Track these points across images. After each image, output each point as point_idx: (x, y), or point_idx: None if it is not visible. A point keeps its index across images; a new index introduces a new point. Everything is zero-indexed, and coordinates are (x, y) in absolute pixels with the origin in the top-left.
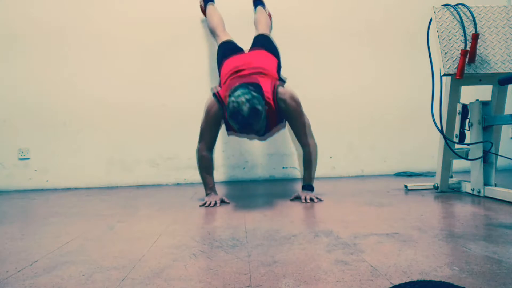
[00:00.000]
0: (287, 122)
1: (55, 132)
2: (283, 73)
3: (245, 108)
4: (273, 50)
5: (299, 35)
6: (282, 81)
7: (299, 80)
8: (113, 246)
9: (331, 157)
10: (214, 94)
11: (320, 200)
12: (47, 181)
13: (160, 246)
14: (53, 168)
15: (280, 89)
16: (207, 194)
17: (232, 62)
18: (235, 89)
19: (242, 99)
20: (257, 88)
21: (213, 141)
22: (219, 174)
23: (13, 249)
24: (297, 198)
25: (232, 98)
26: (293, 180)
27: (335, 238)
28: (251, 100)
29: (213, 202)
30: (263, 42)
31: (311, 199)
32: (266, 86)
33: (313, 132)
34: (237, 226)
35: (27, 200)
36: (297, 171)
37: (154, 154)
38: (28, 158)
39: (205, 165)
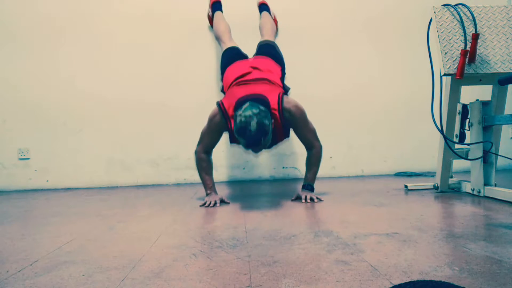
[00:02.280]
0: (292, 130)
1: (55, 132)
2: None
3: (253, 123)
4: (278, 58)
5: (300, 35)
6: (286, 89)
7: (300, 80)
8: (113, 246)
9: (331, 157)
10: (218, 104)
11: (320, 200)
12: (47, 181)
13: (160, 246)
14: (53, 168)
15: (285, 99)
16: (207, 194)
17: (235, 68)
18: (242, 104)
19: (249, 113)
20: (264, 102)
21: (212, 146)
22: (219, 174)
23: (13, 249)
24: (298, 198)
25: (239, 113)
26: (293, 180)
27: (335, 238)
28: (259, 116)
29: (213, 202)
30: (268, 50)
31: (311, 199)
32: (272, 97)
33: None
34: (237, 226)
35: (27, 200)
36: (297, 171)
37: (154, 154)
38: (28, 158)
39: (204, 166)
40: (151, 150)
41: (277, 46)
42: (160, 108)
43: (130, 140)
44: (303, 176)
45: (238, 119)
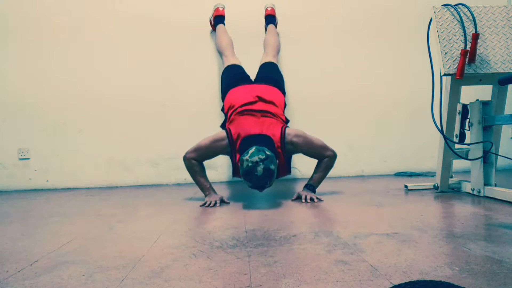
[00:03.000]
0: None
1: (55, 132)
2: (285, 72)
3: (259, 169)
4: (280, 84)
5: (299, 36)
6: (287, 121)
7: (300, 80)
8: (113, 246)
9: None
10: (226, 130)
11: (320, 200)
12: (47, 181)
13: (160, 246)
14: (53, 168)
15: (286, 133)
16: (206, 195)
17: (240, 94)
18: (248, 144)
19: (256, 159)
20: (269, 143)
21: (206, 159)
22: (219, 174)
23: (13, 249)
24: (298, 198)
25: (246, 158)
26: (293, 180)
27: (335, 238)
28: (265, 161)
29: (213, 202)
30: (271, 74)
31: (311, 199)
32: (276, 134)
33: (314, 132)
34: (237, 226)
35: (27, 200)
36: (297, 171)
37: (154, 154)
38: (28, 158)
39: (197, 169)
40: (151, 150)
41: (279, 68)
42: (160, 109)
43: (130, 140)
44: (303, 176)
45: (245, 163)
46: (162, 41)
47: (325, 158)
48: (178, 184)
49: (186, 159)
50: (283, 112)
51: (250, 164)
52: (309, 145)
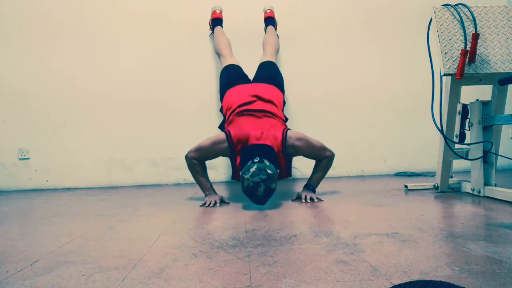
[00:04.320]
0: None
1: (55, 132)
2: (284, 72)
3: (260, 189)
4: (279, 83)
5: (299, 35)
6: (286, 120)
7: (300, 80)
8: (113, 246)
9: None
10: (225, 133)
11: (320, 200)
12: (47, 181)
13: (160, 246)
14: (53, 168)
15: (288, 136)
16: (206, 195)
17: (238, 93)
18: (248, 158)
19: (257, 179)
20: (270, 153)
21: (207, 160)
22: (219, 174)
23: (13, 249)
24: (298, 197)
25: (247, 178)
26: (293, 180)
27: (335, 238)
28: (266, 182)
29: (213, 202)
30: (270, 73)
31: (311, 199)
32: (277, 136)
33: (314, 131)
34: (237, 226)
35: (27, 200)
36: (297, 171)
37: (154, 154)
38: (28, 158)
39: (198, 169)
40: (151, 150)
41: (277, 67)
42: (160, 108)
43: (130, 140)
44: (303, 176)
45: (246, 182)
46: (162, 40)
47: (324, 158)
48: (178, 184)
49: (187, 158)
50: (282, 110)
51: (251, 184)
52: (309, 147)
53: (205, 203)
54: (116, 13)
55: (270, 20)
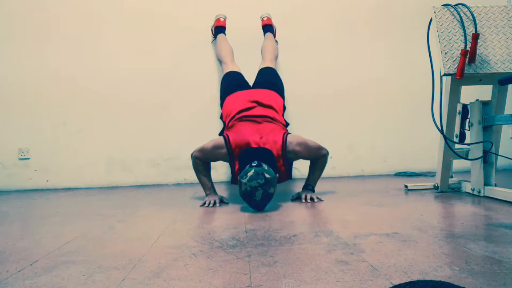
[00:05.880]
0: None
1: (55, 132)
2: (284, 72)
3: (258, 194)
4: (279, 88)
5: (299, 35)
6: (286, 125)
7: (299, 80)
8: (113, 246)
9: (331, 157)
10: (224, 138)
11: (320, 200)
12: (47, 181)
13: (160, 246)
14: (53, 168)
15: (288, 141)
16: (206, 195)
17: (237, 100)
18: (247, 159)
19: (255, 184)
20: (269, 159)
21: (208, 161)
22: (219, 174)
23: (13, 249)
24: (298, 198)
25: (245, 182)
26: (292, 180)
27: (335, 238)
28: (264, 186)
29: (212, 202)
30: (270, 78)
31: (311, 199)
32: (277, 141)
33: (314, 131)
34: (237, 226)
35: (27, 200)
36: (297, 171)
37: (154, 154)
38: (28, 158)
39: (201, 168)
40: (151, 150)
41: (277, 72)
42: (160, 108)
43: (130, 140)
44: (303, 176)
45: (244, 187)
46: (163, 41)
47: (321, 157)
48: (178, 184)
49: (192, 157)
50: (283, 115)
51: (249, 189)
52: (308, 150)
53: (204, 203)
54: (117, 13)
55: (268, 28)
